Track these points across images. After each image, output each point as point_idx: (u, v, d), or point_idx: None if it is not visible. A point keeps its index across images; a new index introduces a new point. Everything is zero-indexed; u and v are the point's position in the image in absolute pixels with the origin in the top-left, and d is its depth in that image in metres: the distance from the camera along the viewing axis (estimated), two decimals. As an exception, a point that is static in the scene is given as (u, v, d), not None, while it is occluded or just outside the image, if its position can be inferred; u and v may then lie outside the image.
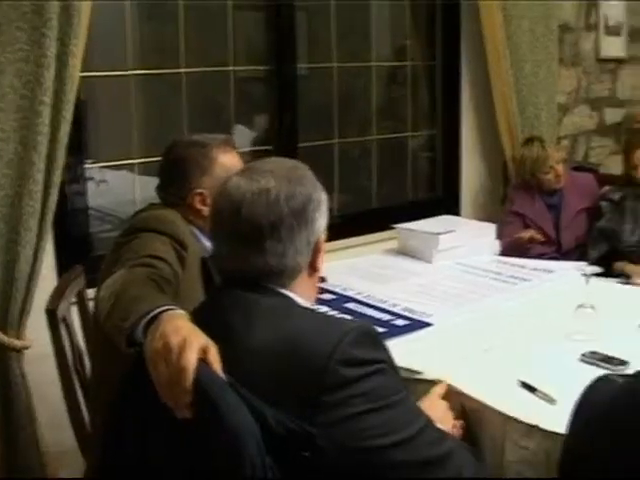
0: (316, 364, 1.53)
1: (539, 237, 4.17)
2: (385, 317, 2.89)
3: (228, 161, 2.60)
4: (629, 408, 1.43)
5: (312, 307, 1.82)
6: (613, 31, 5.45)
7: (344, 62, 4.34)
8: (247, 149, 4.05)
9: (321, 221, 1.74)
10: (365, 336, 1.62)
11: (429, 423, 1.73)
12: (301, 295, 1.74)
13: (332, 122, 4.34)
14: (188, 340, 1.52)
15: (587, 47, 5.31)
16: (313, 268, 1.76)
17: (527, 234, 4.16)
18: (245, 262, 1.66)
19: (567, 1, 5.08)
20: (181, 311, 1.73)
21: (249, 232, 1.64)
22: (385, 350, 1.69)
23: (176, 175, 2.63)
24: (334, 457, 1.51)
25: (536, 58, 4.65)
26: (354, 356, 1.56)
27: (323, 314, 2.14)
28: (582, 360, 2.47)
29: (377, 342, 1.68)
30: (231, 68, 3.96)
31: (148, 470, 1.64)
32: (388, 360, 1.68)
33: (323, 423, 1.51)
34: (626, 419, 1.42)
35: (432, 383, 2.28)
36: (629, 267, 3.91)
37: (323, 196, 1.76)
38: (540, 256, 4.08)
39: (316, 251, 1.74)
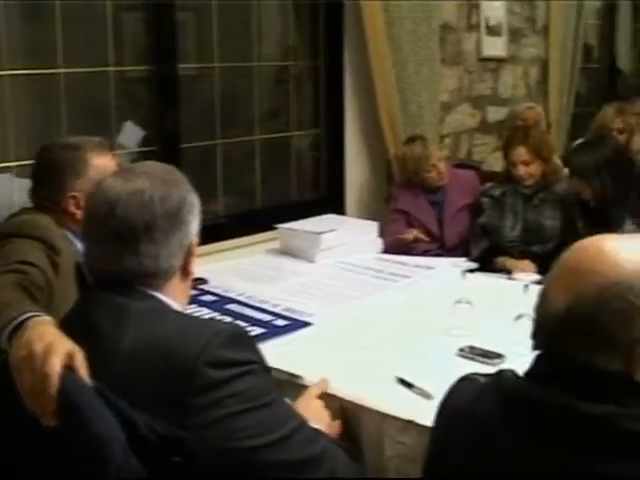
0: (184, 366, 1.51)
1: (423, 237, 4.21)
2: (266, 318, 2.87)
3: (102, 164, 2.56)
4: (489, 407, 1.43)
5: (184, 310, 1.80)
6: (494, 31, 5.56)
7: (227, 62, 4.29)
8: (132, 150, 3.98)
9: (194, 224, 1.74)
10: (235, 337, 1.61)
11: (303, 423, 1.73)
12: (174, 299, 1.72)
13: (215, 123, 4.29)
14: (53, 346, 1.49)
15: (469, 47, 5.39)
16: (186, 271, 1.75)
17: (411, 235, 4.19)
18: (118, 263, 1.64)
19: (448, 2, 5.13)
20: (47, 317, 1.71)
21: (124, 232, 1.62)
22: (256, 351, 1.67)
23: (49, 178, 2.58)
24: (208, 460, 1.49)
25: (418, 58, 4.70)
26: (224, 357, 1.55)
27: (195, 317, 2.12)
28: (459, 355, 2.49)
29: (248, 343, 1.67)
30: (111, 69, 3.88)
31: (17, 477, 1.61)
32: (260, 361, 1.66)
33: (194, 426, 1.49)
34: (487, 418, 1.43)
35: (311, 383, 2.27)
36: (510, 262, 3.97)
37: (196, 200, 1.76)
38: (424, 253, 4.12)
39: (189, 254, 1.74)
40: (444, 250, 4.19)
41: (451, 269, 3.02)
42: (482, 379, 1.53)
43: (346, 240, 3.71)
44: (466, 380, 1.58)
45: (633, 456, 1.28)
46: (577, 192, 3.95)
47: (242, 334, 1.68)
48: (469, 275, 2.84)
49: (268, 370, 1.71)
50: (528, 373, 1.44)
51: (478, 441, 1.42)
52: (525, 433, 1.36)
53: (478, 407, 1.46)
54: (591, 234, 3.67)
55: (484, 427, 1.42)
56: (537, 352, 1.43)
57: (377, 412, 2.17)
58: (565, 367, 1.36)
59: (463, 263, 2.88)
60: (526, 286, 2.48)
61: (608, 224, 3.84)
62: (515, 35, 5.77)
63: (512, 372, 1.48)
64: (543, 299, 1.42)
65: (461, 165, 4.88)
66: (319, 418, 2.03)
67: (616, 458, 1.29)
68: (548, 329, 1.40)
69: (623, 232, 3.77)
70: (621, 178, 3.85)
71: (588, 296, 1.34)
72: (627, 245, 1.41)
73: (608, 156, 3.88)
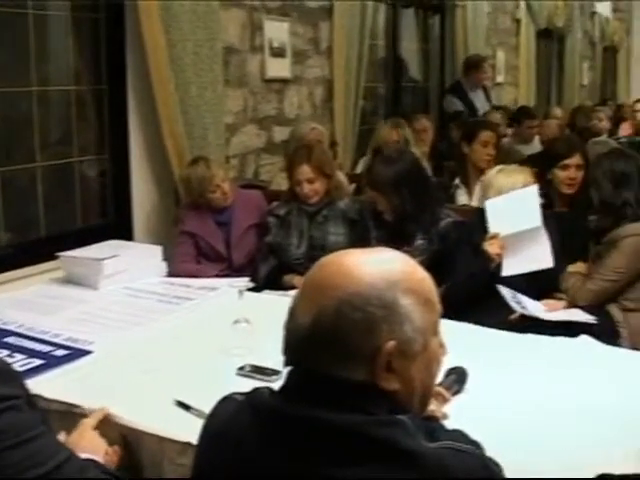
0: None
1: None
2: (45, 348, 2.82)
3: None
4: (245, 424, 1.47)
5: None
6: (278, 53, 5.65)
7: (2, 86, 4.14)
8: None
9: None
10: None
11: (72, 455, 1.70)
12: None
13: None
14: None
15: (253, 68, 5.45)
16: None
17: None
18: None
19: (231, 24, 5.18)
20: None
21: None
22: (18, 385, 1.64)
23: None
24: None
25: (202, 80, 4.71)
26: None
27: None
28: (239, 374, 2.54)
29: (8, 378, 1.63)
30: None
31: None
32: (22, 395, 1.63)
33: None
34: (242, 435, 1.46)
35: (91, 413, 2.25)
36: (297, 279, 4.03)
37: None
38: (214, 274, 4.14)
39: None
40: (232, 270, 4.21)
41: (232, 289, 3.06)
42: (240, 397, 1.56)
43: (130, 265, 3.68)
44: (226, 400, 1.60)
45: (380, 460, 1.34)
46: (373, 205, 4.05)
47: (2, 369, 1.65)
48: (248, 294, 2.88)
49: (34, 403, 1.68)
50: (281, 389, 1.48)
51: (234, 459, 1.45)
52: (279, 448, 1.40)
53: (234, 425, 1.49)
54: (386, 247, 3.81)
55: (240, 445, 1.45)
56: (289, 368, 1.48)
57: (156, 436, 2.18)
58: (313, 380, 1.41)
59: (240, 283, 2.92)
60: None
61: (402, 238, 3.97)
62: (299, 56, 5.89)
63: (268, 389, 1.52)
64: (291, 316, 1.47)
65: (248, 185, 4.93)
66: (93, 449, 2.01)
67: (365, 464, 1.34)
68: (295, 345, 1.44)
69: (414, 247, 3.93)
70: (418, 193, 3.96)
71: (329, 310, 1.39)
72: (367, 259, 1.47)
73: (407, 170, 3.96)
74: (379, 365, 1.40)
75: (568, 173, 4.29)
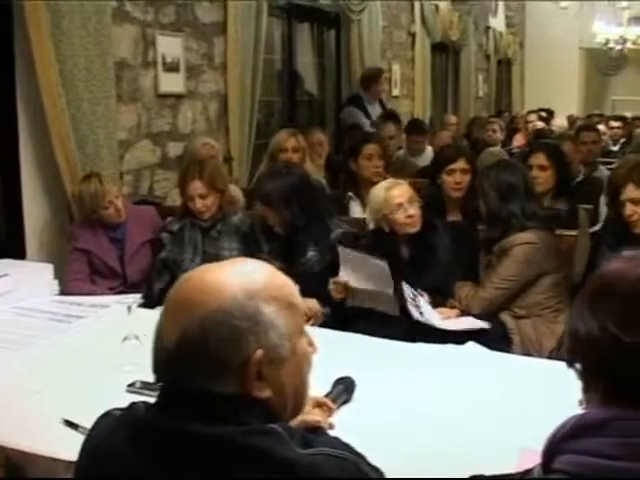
0: None
1: None
2: None
3: None
4: (120, 439, 1.47)
5: None
6: (171, 67, 5.64)
7: None
8: None
9: None
10: None
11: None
12: None
13: None
14: None
15: (146, 83, 5.42)
16: None
17: None
18: None
19: (123, 39, 5.15)
20: None
21: None
22: None
23: None
24: None
25: (94, 96, 4.66)
26: None
27: None
28: (128, 390, 2.54)
29: None
30: None
31: None
32: None
33: None
34: (118, 450, 1.46)
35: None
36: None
37: None
38: (109, 290, 4.12)
39: None
40: (127, 287, 4.18)
41: (122, 306, 3.05)
42: (118, 413, 1.57)
43: (19, 284, 3.63)
44: (106, 415, 1.61)
45: (255, 469, 1.37)
46: (263, 219, 4.08)
47: None
48: (140, 310, 2.88)
49: None
50: (155, 404, 1.49)
51: (111, 474, 1.46)
52: (154, 463, 1.41)
53: (111, 440, 1.49)
54: (278, 261, 3.84)
55: (116, 460, 1.46)
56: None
57: (44, 457, 2.17)
58: (184, 396, 1.43)
59: (129, 299, 2.92)
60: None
61: (294, 251, 4.02)
62: (193, 71, 5.88)
63: (144, 403, 1.53)
64: (157, 335, 1.48)
65: (142, 201, 4.91)
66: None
67: (240, 474, 1.37)
68: (164, 362, 1.46)
69: (306, 258, 3.98)
70: (308, 205, 4.01)
71: (193, 328, 1.42)
72: (226, 273, 1.50)
73: (295, 184, 4.01)
74: (249, 375, 1.43)
75: (454, 177, 4.43)
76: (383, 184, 3.98)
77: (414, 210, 3.85)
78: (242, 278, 1.49)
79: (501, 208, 3.82)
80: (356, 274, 3.74)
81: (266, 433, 1.40)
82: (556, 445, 1.28)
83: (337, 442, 1.56)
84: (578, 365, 1.34)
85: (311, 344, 1.60)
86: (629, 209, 3.62)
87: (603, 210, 5.35)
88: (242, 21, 6.16)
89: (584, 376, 1.33)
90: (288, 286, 1.55)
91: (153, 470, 1.41)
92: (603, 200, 5.44)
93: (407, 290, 3.65)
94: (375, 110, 8.28)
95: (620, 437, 1.23)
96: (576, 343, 1.35)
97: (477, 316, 3.74)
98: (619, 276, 1.34)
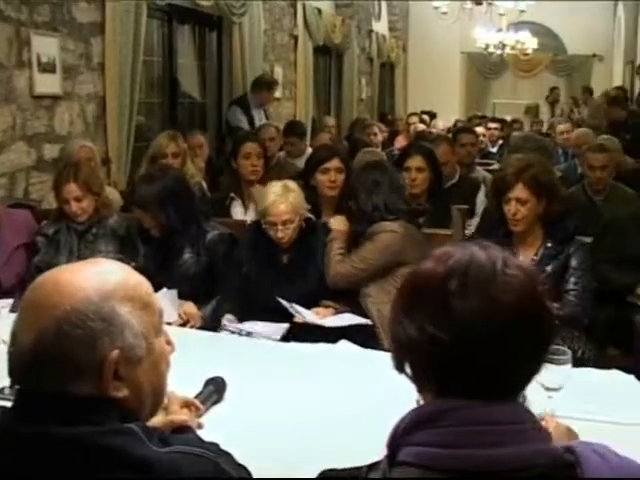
0: None
1: None
2: None
3: None
4: None
5: None
6: (47, 68, 5.52)
7: None
8: None
9: None
10: None
11: None
12: None
13: None
14: None
15: (21, 84, 5.30)
16: None
17: None
18: None
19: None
20: None
21: None
22: None
23: None
24: None
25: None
26: None
27: None
28: (-2, 397, 2.49)
29: None
30: None
31: None
32: None
33: None
34: None
35: None
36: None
37: None
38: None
39: None
40: (2, 292, 4.09)
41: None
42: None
43: None
44: None
45: (112, 469, 1.37)
46: (139, 222, 4.05)
47: None
48: (11, 315, 2.83)
49: None
50: (11, 408, 1.47)
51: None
52: (13, 466, 1.39)
53: None
54: (155, 262, 3.81)
55: None
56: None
57: None
58: (41, 398, 1.42)
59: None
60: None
61: (170, 253, 4.00)
62: (70, 72, 5.78)
63: (2, 408, 1.51)
64: (13, 338, 1.47)
65: (17, 205, 4.81)
66: None
67: (98, 474, 1.37)
68: (20, 367, 1.45)
69: (183, 260, 3.97)
70: (183, 208, 4.00)
71: (49, 331, 1.41)
72: (81, 274, 1.50)
73: (170, 187, 3.99)
74: (106, 375, 1.43)
75: (328, 176, 4.47)
76: (276, 190, 3.92)
77: (283, 234, 3.85)
78: (97, 279, 1.49)
79: (367, 203, 3.91)
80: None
81: (123, 432, 1.41)
82: (398, 438, 1.32)
83: (196, 441, 1.58)
84: (407, 369, 1.37)
85: (169, 343, 1.61)
86: (514, 207, 3.72)
87: (480, 209, 5.51)
88: (121, 22, 6.08)
89: (414, 378, 1.37)
90: (143, 286, 1.56)
91: (12, 475, 1.40)
92: (480, 198, 5.60)
93: (282, 301, 3.71)
94: (260, 115, 8.29)
95: (456, 426, 1.27)
96: (399, 347, 1.37)
97: (355, 312, 3.81)
98: (430, 274, 1.36)
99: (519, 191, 3.73)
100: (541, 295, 1.35)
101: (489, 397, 1.29)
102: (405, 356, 1.36)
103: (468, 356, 1.29)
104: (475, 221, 5.44)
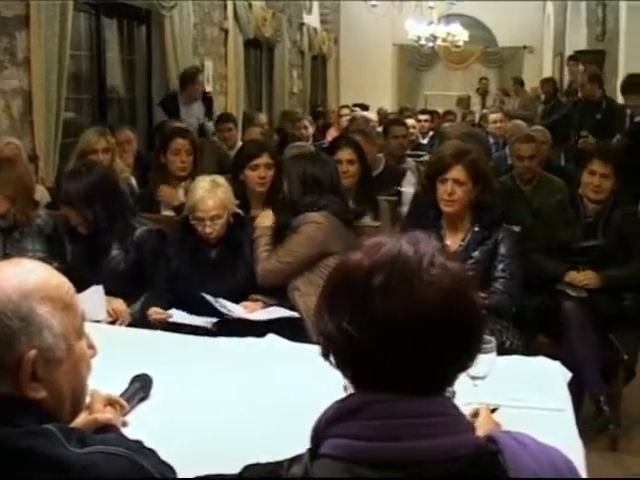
0: None
1: None
2: None
3: None
4: None
5: None
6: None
7: None
8: None
9: None
10: None
11: None
12: None
13: None
14: None
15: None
16: None
17: None
18: None
19: None
20: None
21: None
22: None
23: None
24: None
25: None
26: None
27: None
28: None
29: None
30: None
31: None
32: None
33: None
34: None
35: None
36: None
37: None
38: None
39: None
40: None
41: None
42: None
43: None
44: None
45: (30, 471, 1.36)
46: (66, 219, 3.99)
47: None
48: None
49: None
50: None
51: None
52: None
53: None
54: (83, 260, 3.77)
55: None
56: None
57: None
58: None
59: None
60: None
61: (98, 250, 3.95)
62: None
63: None
64: None
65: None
66: None
67: (15, 476, 1.36)
68: None
69: (111, 257, 3.93)
70: (110, 204, 3.96)
71: None
72: (1, 273, 1.49)
73: (96, 183, 3.94)
74: (23, 375, 1.42)
75: (258, 172, 4.48)
76: (204, 185, 3.90)
77: (211, 229, 3.84)
78: (17, 278, 1.48)
79: (301, 198, 3.91)
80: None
81: (40, 434, 1.40)
82: (322, 430, 1.32)
83: (117, 440, 1.56)
84: (332, 359, 1.36)
85: (91, 347, 1.60)
86: (451, 187, 3.75)
87: (407, 198, 5.55)
88: (46, 16, 5.95)
89: (338, 367, 1.36)
90: (65, 287, 1.55)
91: None
92: (405, 186, 5.65)
93: (207, 297, 3.70)
94: (193, 110, 8.22)
95: (377, 419, 1.27)
96: (323, 339, 1.36)
97: (284, 305, 3.81)
98: (355, 267, 1.33)
99: (457, 172, 3.77)
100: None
101: (412, 392, 1.29)
102: (328, 348, 1.36)
103: (387, 354, 1.28)
104: (405, 209, 5.47)
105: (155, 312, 3.72)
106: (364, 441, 1.26)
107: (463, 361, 1.35)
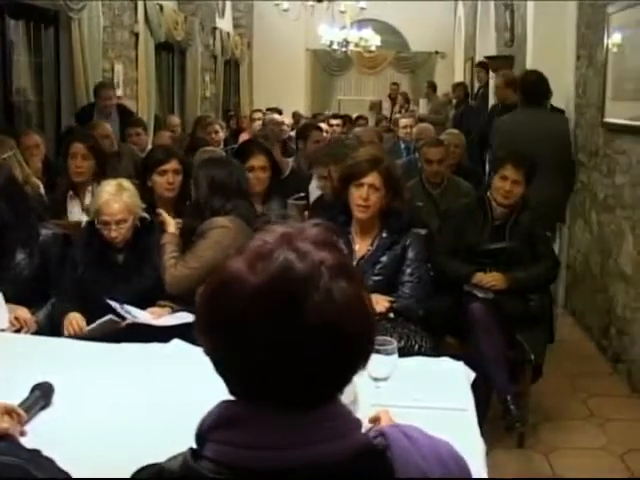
0: None
1: None
2: None
3: None
4: None
5: None
6: None
7: None
8: None
9: None
10: None
11: None
12: None
13: None
14: None
15: None
16: None
17: None
18: None
19: None
20: None
21: None
22: None
23: None
24: None
25: None
26: None
27: None
28: None
29: None
30: None
31: None
32: None
33: None
34: None
35: None
36: None
37: None
38: None
39: None
40: None
41: None
42: None
43: None
44: None
45: None
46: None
47: None
48: None
49: None
50: None
51: None
52: None
53: None
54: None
55: None
56: None
57: None
58: None
59: None
60: None
61: (1, 255, 3.87)
62: None
63: None
64: None
65: None
66: None
67: None
68: None
69: (16, 262, 3.85)
70: (15, 208, 3.88)
71: None
72: None
73: (2, 185, 3.87)
74: None
75: (167, 178, 4.47)
76: (109, 189, 3.85)
77: (117, 233, 3.80)
78: None
79: (207, 201, 3.92)
80: None
81: None
82: (205, 433, 1.30)
83: (10, 449, 1.54)
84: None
85: None
86: (366, 192, 3.78)
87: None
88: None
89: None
90: None
91: None
92: (311, 189, 5.68)
93: (112, 302, 3.66)
94: (109, 121, 8.04)
95: (255, 428, 1.25)
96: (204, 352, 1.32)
97: (191, 311, 3.78)
98: (235, 279, 1.25)
99: (373, 178, 3.81)
100: (352, 317, 1.26)
101: (296, 405, 1.27)
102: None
103: (269, 373, 1.24)
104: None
105: (74, 321, 3.66)
106: (245, 449, 1.24)
107: (349, 374, 1.31)
